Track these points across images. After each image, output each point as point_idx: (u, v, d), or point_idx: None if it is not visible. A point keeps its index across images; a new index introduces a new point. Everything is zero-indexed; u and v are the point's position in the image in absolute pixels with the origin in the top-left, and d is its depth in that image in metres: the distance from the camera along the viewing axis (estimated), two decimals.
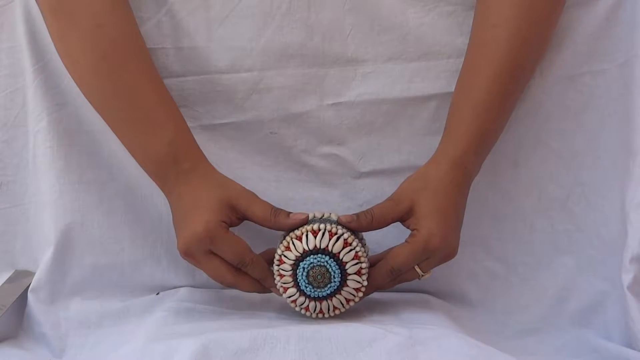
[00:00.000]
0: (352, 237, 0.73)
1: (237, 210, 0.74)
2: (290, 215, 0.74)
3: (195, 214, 0.73)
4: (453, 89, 0.80)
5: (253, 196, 0.75)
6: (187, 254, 0.74)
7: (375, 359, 0.64)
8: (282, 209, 0.74)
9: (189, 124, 0.80)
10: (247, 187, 0.77)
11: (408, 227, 0.75)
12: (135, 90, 0.76)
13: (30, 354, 0.79)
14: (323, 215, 0.75)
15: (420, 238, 0.72)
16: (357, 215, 0.74)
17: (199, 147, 0.78)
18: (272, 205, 0.75)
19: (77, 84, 0.78)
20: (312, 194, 0.85)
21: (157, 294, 0.84)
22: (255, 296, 0.84)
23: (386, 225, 0.75)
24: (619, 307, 0.76)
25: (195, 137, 0.78)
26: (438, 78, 0.82)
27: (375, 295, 0.83)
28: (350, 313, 0.76)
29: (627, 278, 0.74)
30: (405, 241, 0.74)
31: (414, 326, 0.70)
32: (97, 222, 0.83)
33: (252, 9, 0.81)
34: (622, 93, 0.78)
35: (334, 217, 0.75)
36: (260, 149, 0.84)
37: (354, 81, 0.83)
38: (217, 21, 0.81)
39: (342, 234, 0.72)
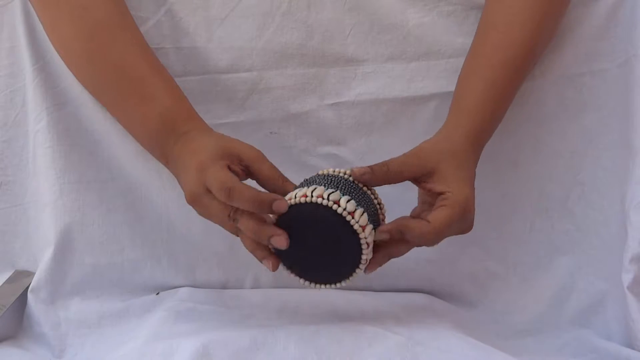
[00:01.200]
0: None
1: (242, 159, 0.71)
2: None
3: (195, 156, 0.70)
4: (453, 89, 0.80)
5: (261, 153, 0.72)
6: (193, 200, 0.70)
7: (375, 359, 0.64)
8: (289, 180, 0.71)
9: None
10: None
11: (430, 190, 0.71)
12: (125, 67, 0.76)
13: (30, 354, 0.79)
14: (334, 172, 0.70)
15: (459, 199, 0.69)
16: (372, 167, 0.69)
17: (196, 113, 0.76)
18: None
19: (70, 70, 0.79)
20: None
21: (157, 294, 0.84)
22: (256, 296, 0.84)
23: (402, 181, 0.71)
24: (619, 307, 0.76)
25: None
26: (438, 78, 0.82)
27: (375, 295, 0.83)
28: (350, 313, 0.76)
29: (627, 278, 0.74)
30: (440, 205, 0.69)
31: (414, 326, 0.70)
32: (97, 222, 0.83)
33: (252, 9, 0.81)
34: (622, 93, 0.78)
35: (346, 173, 0.70)
36: (260, 149, 0.84)
37: (353, 81, 0.83)
38: (217, 21, 0.81)
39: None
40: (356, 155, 0.84)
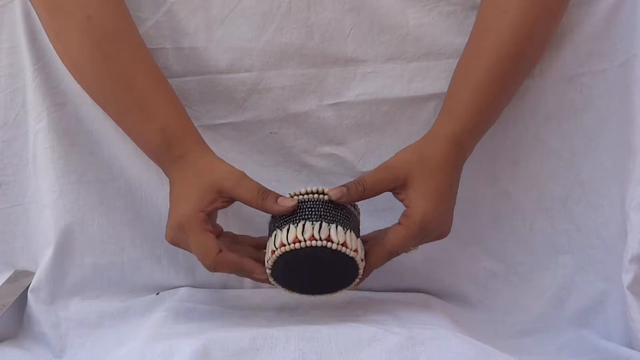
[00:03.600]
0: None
1: (222, 193, 0.73)
2: (279, 200, 0.72)
3: (178, 204, 0.73)
4: None
5: (240, 177, 0.73)
6: (173, 242, 0.74)
7: (375, 359, 0.64)
8: (271, 191, 0.72)
9: None
10: None
11: (400, 201, 0.74)
12: (129, 80, 0.76)
13: (30, 354, 0.79)
14: (312, 191, 0.72)
15: (416, 219, 0.72)
16: (347, 187, 0.72)
17: (193, 132, 0.77)
18: (261, 186, 0.73)
19: (75, 79, 0.79)
20: None
21: (157, 294, 0.84)
22: (255, 296, 0.84)
23: (378, 194, 0.74)
24: (619, 307, 0.76)
25: None
26: (438, 78, 0.82)
27: (375, 295, 0.83)
28: (350, 313, 0.76)
29: (627, 278, 0.74)
30: (400, 223, 0.73)
31: (414, 326, 0.70)
32: (97, 222, 0.83)
33: (251, 9, 0.81)
34: (622, 93, 0.78)
35: (323, 193, 0.72)
36: (260, 149, 0.84)
37: (353, 81, 0.83)
38: (217, 21, 0.81)
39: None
40: (356, 155, 0.84)
